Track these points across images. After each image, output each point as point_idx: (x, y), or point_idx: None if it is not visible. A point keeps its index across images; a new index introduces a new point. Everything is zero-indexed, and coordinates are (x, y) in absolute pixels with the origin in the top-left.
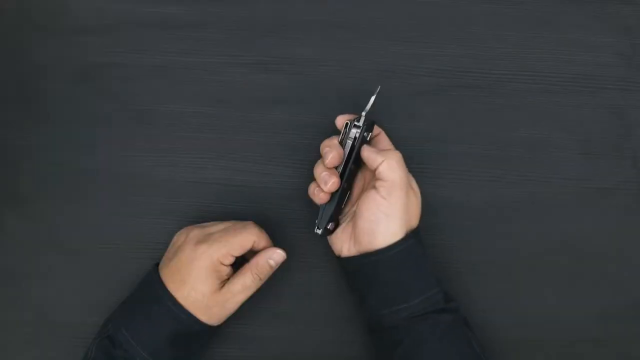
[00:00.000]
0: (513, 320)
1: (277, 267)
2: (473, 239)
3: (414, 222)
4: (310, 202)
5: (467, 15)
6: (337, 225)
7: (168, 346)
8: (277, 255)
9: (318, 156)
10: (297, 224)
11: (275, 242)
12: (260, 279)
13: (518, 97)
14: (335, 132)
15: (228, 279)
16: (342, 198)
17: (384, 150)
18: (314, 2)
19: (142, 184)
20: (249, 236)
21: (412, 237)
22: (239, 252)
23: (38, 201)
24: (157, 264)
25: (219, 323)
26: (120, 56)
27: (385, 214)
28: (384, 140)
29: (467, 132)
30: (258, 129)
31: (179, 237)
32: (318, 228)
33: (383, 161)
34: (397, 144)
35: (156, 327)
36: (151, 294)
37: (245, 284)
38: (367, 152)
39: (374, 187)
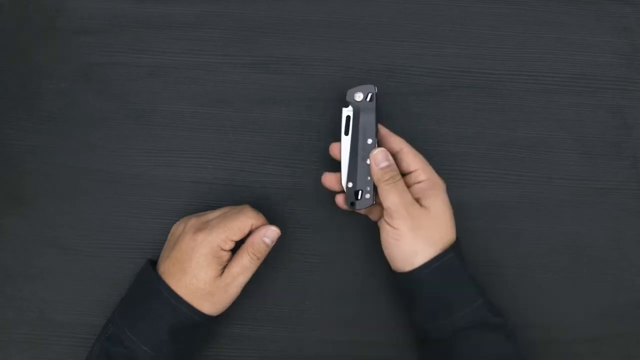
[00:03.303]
0: (513, 320)
1: (272, 244)
2: (473, 239)
3: (446, 236)
4: (309, 202)
5: (467, 15)
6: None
7: (169, 339)
8: (271, 232)
9: (318, 156)
10: (297, 224)
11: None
12: (258, 258)
13: (518, 97)
14: (335, 131)
15: (225, 262)
16: (353, 164)
17: (386, 178)
18: (313, 2)
19: (142, 184)
20: (246, 219)
21: (451, 251)
22: (238, 236)
23: (38, 201)
24: (150, 260)
25: (220, 312)
26: (120, 56)
27: (395, 239)
28: (407, 155)
29: (467, 132)
30: (258, 129)
31: (177, 228)
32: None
33: (382, 183)
34: None
35: (156, 321)
36: (149, 289)
37: (244, 265)
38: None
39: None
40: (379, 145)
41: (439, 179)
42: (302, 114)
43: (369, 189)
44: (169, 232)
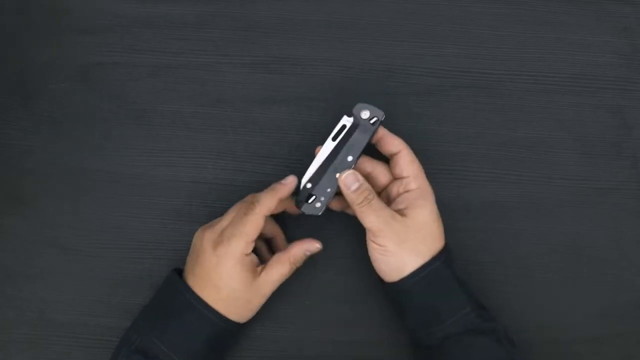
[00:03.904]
0: (513, 320)
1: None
2: (473, 239)
3: (433, 246)
4: None
5: (467, 15)
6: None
7: (205, 351)
8: (314, 248)
9: None
10: (296, 224)
11: None
12: (297, 267)
13: (518, 97)
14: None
15: (256, 264)
16: (322, 169)
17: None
18: (313, 2)
19: (142, 184)
20: (257, 218)
21: (438, 259)
22: (255, 236)
23: (38, 201)
24: (176, 270)
25: (251, 317)
26: (120, 56)
27: (381, 254)
28: (402, 160)
29: (467, 132)
30: (258, 129)
31: (195, 241)
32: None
33: (356, 207)
34: None
35: (192, 335)
36: (180, 301)
37: (284, 274)
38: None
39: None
40: (377, 146)
41: (429, 187)
42: (302, 114)
43: (323, 199)
44: (168, 232)
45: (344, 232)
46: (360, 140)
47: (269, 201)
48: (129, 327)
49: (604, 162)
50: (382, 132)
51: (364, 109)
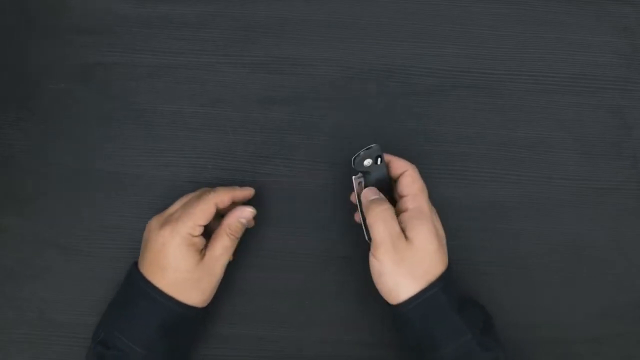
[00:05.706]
0: (512, 320)
1: (248, 223)
2: (473, 239)
3: (431, 270)
4: (309, 202)
5: (467, 15)
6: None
7: (161, 337)
8: (247, 213)
9: (317, 156)
10: (296, 224)
11: (274, 242)
12: (237, 238)
13: (518, 97)
14: (335, 131)
15: (202, 247)
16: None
17: (378, 203)
18: (313, 2)
19: (142, 184)
20: (207, 202)
21: (435, 285)
22: (204, 220)
23: (38, 201)
24: (136, 262)
25: (208, 299)
26: (120, 56)
27: (379, 272)
28: (406, 180)
29: (467, 132)
30: (258, 129)
31: (145, 230)
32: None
33: (369, 215)
34: (397, 144)
35: (146, 321)
36: (135, 289)
37: (225, 246)
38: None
39: None
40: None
41: (427, 208)
42: (302, 114)
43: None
44: None
45: (345, 232)
46: (382, 178)
47: (224, 194)
48: (98, 322)
49: (604, 162)
50: (389, 157)
51: (364, 159)
